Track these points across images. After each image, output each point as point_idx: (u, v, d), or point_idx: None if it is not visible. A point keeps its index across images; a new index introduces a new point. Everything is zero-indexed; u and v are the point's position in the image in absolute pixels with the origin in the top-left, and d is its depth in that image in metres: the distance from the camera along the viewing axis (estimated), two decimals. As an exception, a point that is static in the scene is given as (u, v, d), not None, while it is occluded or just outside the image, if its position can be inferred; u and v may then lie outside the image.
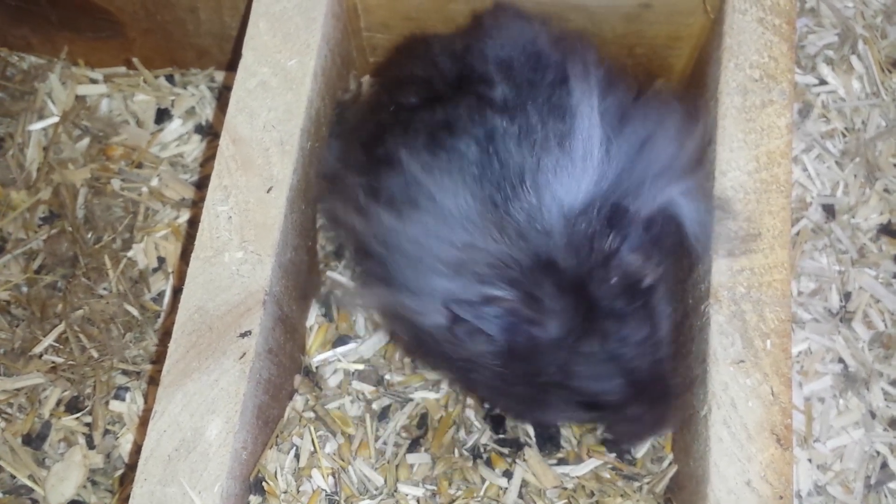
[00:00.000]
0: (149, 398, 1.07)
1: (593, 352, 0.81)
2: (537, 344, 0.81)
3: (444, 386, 1.04)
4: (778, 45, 0.96)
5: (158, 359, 1.08)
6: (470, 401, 1.03)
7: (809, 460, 1.03)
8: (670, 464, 0.95)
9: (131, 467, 1.04)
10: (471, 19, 1.04)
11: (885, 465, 1.05)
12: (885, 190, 1.17)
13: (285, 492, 0.91)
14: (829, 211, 1.15)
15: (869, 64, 1.23)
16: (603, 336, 0.81)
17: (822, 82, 1.22)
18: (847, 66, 1.23)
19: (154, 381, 1.07)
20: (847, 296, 1.12)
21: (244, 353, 0.84)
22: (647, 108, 0.88)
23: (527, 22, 0.94)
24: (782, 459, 0.82)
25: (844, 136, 1.20)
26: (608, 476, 0.96)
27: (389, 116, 0.92)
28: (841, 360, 1.08)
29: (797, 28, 1.24)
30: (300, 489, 0.92)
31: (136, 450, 1.04)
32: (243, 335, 0.84)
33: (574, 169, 0.82)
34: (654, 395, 0.86)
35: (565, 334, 0.81)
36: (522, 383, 0.85)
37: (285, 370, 0.97)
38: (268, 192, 0.90)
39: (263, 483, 0.89)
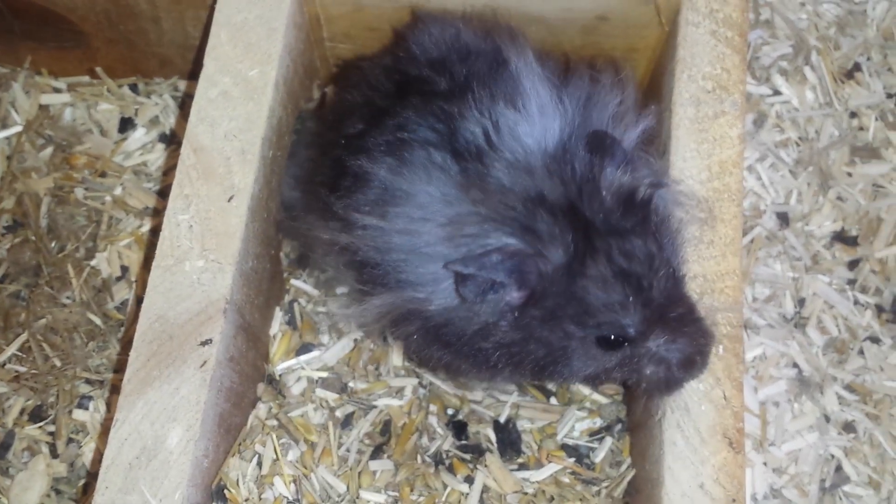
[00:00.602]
0: (112, 407, 1.07)
1: (601, 273, 0.79)
2: (546, 279, 0.79)
3: (408, 393, 1.05)
4: (730, 57, 0.98)
5: (121, 367, 1.08)
6: (433, 407, 1.04)
7: (765, 464, 1.05)
8: (628, 468, 0.97)
9: (94, 476, 1.03)
10: (392, 35, 1.07)
11: (839, 469, 1.07)
12: (839, 198, 1.20)
13: (247, 500, 0.91)
14: (783, 219, 1.18)
15: (822, 74, 1.26)
16: (607, 254, 0.79)
17: (777, 93, 1.25)
18: (801, 77, 1.26)
19: (117, 389, 1.07)
20: (801, 302, 1.14)
21: (205, 362, 0.85)
22: (581, 73, 0.90)
23: (447, 23, 0.97)
24: (734, 462, 0.84)
25: (798, 145, 1.22)
26: (567, 481, 0.97)
27: (343, 149, 0.92)
28: (795, 365, 1.11)
29: (752, 40, 1.27)
30: (262, 497, 0.93)
31: (99, 458, 1.04)
32: (204, 343, 0.85)
33: (534, 120, 0.83)
34: (676, 321, 0.81)
35: (570, 258, 0.79)
36: (540, 335, 0.82)
37: (248, 378, 0.97)
38: (229, 200, 0.90)
39: (225, 491, 0.90)
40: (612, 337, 0.81)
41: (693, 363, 0.82)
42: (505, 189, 0.81)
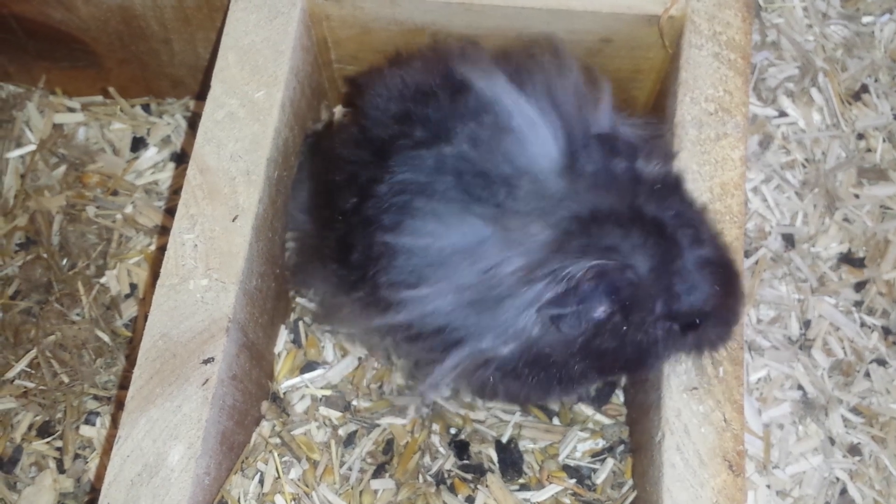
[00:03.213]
0: (117, 423, 1.08)
1: (686, 266, 0.80)
2: (636, 286, 0.79)
3: (411, 412, 1.06)
4: (733, 79, 0.99)
5: (128, 384, 1.09)
6: (436, 426, 1.05)
7: (768, 486, 1.05)
8: (630, 489, 0.97)
9: (99, 492, 1.05)
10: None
11: (844, 492, 1.07)
12: (845, 219, 1.20)
13: (248, 517, 0.92)
14: (789, 240, 1.18)
15: (829, 96, 1.26)
16: (687, 247, 0.80)
17: (783, 114, 1.25)
18: (807, 99, 1.26)
19: (123, 406, 1.09)
20: (807, 324, 1.14)
21: (207, 380, 0.85)
22: (526, 64, 0.89)
23: (389, 74, 0.96)
24: (734, 485, 0.83)
25: (804, 166, 1.22)
26: (568, 502, 0.97)
27: (345, 227, 0.90)
28: (800, 387, 1.10)
29: (758, 61, 1.27)
30: (263, 514, 0.94)
31: (103, 474, 1.05)
32: (206, 362, 0.86)
33: (531, 139, 0.83)
34: (737, 288, 0.85)
35: (657, 261, 0.79)
36: (631, 339, 0.82)
37: (251, 396, 0.98)
38: (233, 220, 0.91)
39: (226, 508, 0.91)
40: (694, 320, 0.83)
41: (739, 315, 0.86)
42: (549, 215, 0.79)
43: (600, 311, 0.80)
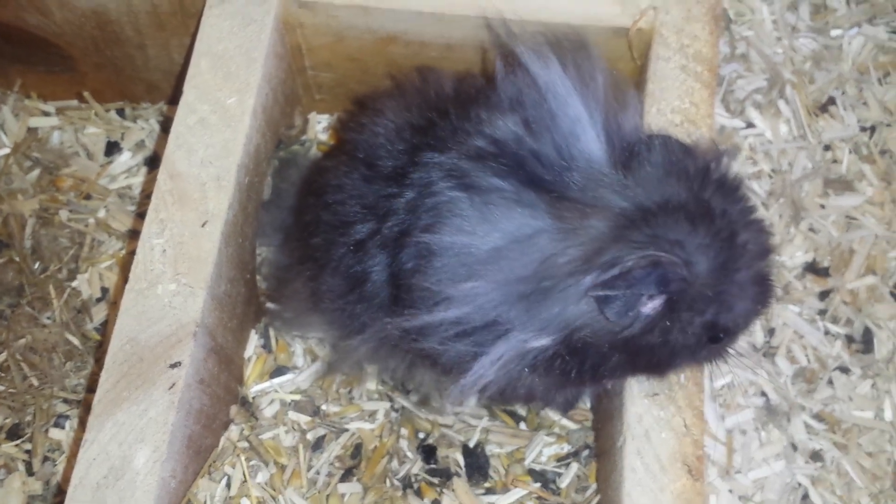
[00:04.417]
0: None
1: (744, 278, 0.78)
2: (688, 283, 0.76)
3: (380, 416, 1.07)
4: (699, 91, 1.00)
5: (96, 388, 1.10)
6: (404, 431, 1.06)
7: (731, 491, 1.06)
8: (593, 493, 0.98)
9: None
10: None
11: (805, 497, 1.08)
12: (811, 229, 1.22)
13: (214, 520, 0.93)
14: (755, 249, 1.20)
15: (796, 108, 1.28)
16: (751, 255, 0.78)
17: (750, 125, 1.27)
18: (775, 110, 1.28)
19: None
20: (771, 332, 1.16)
21: (174, 384, 0.86)
22: (555, 60, 0.85)
23: (378, 111, 0.94)
24: (693, 490, 0.85)
25: (771, 177, 1.24)
26: (533, 505, 0.99)
27: (355, 255, 0.88)
28: (763, 394, 1.12)
29: (726, 73, 1.29)
30: (229, 517, 0.94)
31: (70, 477, 1.05)
32: (173, 366, 0.87)
33: (583, 126, 0.79)
34: (770, 299, 0.83)
35: (719, 262, 0.76)
36: (670, 337, 0.79)
37: (219, 400, 0.99)
38: (203, 226, 0.92)
39: (192, 511, 0.91)
40: (722, 335, 0.81)
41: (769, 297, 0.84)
42: (607, 204, 0.77)
43: (648, 301, 0.76)
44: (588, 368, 0.81)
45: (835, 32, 1.36)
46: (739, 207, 0.80)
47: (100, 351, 1.14)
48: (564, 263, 0.75)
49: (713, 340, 0.82)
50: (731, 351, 0.86)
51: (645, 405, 0.87)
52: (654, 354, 0.80)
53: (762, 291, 0.81)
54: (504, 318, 0.77)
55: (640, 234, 0.75)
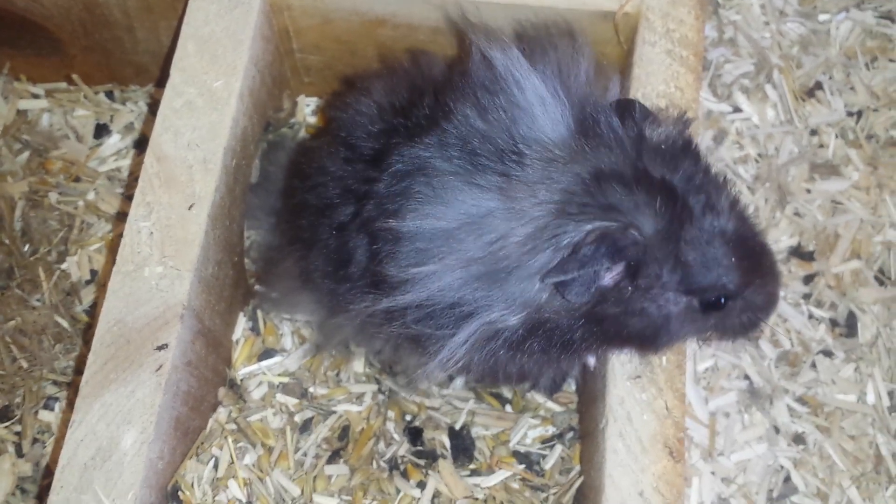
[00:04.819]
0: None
1: (698, 234, 0.77)
2: (641, 248, 0.76)
3: (368, 398, 1.08)
4: (684, 76, 1.01)
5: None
6: (391, 413, 1.07)
7: (713, 473, 1.07)
8: (577, 474, 0.99)
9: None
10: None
11: (787, 479, 1.10)
12: (796, 213, 1.23)
13: (201, 501, 0.94)
14: (740, 234, 1.20)
15: (783, 92, 1.28)
16: (699, 213, 0.77)
17: (737, 110, 1.27)
18: (762, 95, 1.28)
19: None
20: (755, 315, 1.17)
21: (161, 366, 0.87)
22: (541, 46, 0.89)
23: (362, 93, 0.96)
24: (674, 471, 0.86)
25: (757, 161, 1.25)
26: (517, 486, 1.00)
27: (341, 237, 0.89)
28: (747, 377, 1.13)
29: (714, 58, 1.29)
30: (216, 499, 0.95)
31: (58, 458, 1.06)
32: (160, 348, 0.87)
33: (541, 109, 0.80)
34: (762, 262, 0.82)
35: (665, 223, 0.76)
36: (639, 307, 0.79)
37: (207, 383, 0.99)
38: (189, 208, 0.93)
39: (179, 493, 0.92)
40: (715, 298, 0.80)
41: (774, 299, 0.84)
42: (554, 180, 0.77)
43: (605, 275, 0.77)
44: (566, 342, 0.82)
45: (822, 17, 1.36)
46: (681, 166, 0.79)
47: (89, 333, 1.15)
48: (516, 243, 0.76)
49: (710, 307, 0.81)
50: (755, 319, 0.84)
51: (627, 388, 0.88)
52: (626, 324, 0.80)
53: (729, 244, 0.78)
54: (467, 299, 0.78)
55: (575, 207, 0.76)
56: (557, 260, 0.75)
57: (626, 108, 0.83)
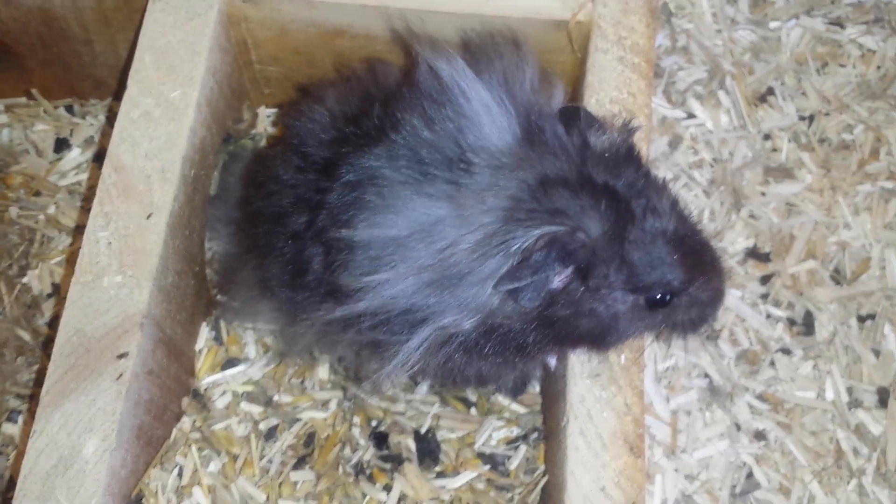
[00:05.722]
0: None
1: (641, 235, 0.79)
2: (589, 251, 0.78)
3: (333, 405, 1.08)
4: (636, 82, 1.03)
5: (48, 383, 1.10)
6: (357, 419, 1.07)
7: (676, 470, 1.09)
8: (542, 474, 1.00)
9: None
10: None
11: (750, 475, 1.11)
12: (751, 216, 1.25)
13: (166, 509, 0.94)
14: (697, 235, 1.22)
15: (736, 98, 1.31)
16: (641, 215, 0.79)
17: (691, 116, 1.30)
18: (715, 101, 1.31)
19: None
20: (714, 315, 1.19)
21: (121, 374, 0.87)
22: (486, 55, 0.91)
23: (314, 102, 0.97)
24: (635, 467, 0.87)
25: (712, 166, 1.27)
26: (482, 487, 1.01)
27: (296, 246, 0.90)
28: (707, 376, 1.15)
29: (668, 66, 1.32)
30: (180, 506, 0.95)
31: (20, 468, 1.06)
32: (120, 357, 0.87)
33: (488, 117, 0.82)
34: (704, 258, 0.84)
35: (609, 225, 0.78)
36: (588, 307, 0.81)
37: (170, 392, 0.99)
38: (148, 218, 0.93)
39: (143, 500, 0.92)
40: (660, 295, 0.82)
41: (719, 294, 0.86)
42: (501, 187, 0.79)
43: (556, 279, 0.79)
44: (515, 347, 0.83)
45: (773, 24, 1.39)
46: (622, 172, 0.81)
47: (50, 346, 1.14)
48: (466, 250, 0.78)
49: (656, 304, 0.83)
50: (702, 314, 0.86)
51: (587, 386, 0.90)
52: (577, 325, 0.82)
53: (670, 243, 0.81)
54: (419, 305, 0.80)
55: (523, 213, 0.77)
56: (507, 265, 0.77)
57: (572, 115, 0.85)
